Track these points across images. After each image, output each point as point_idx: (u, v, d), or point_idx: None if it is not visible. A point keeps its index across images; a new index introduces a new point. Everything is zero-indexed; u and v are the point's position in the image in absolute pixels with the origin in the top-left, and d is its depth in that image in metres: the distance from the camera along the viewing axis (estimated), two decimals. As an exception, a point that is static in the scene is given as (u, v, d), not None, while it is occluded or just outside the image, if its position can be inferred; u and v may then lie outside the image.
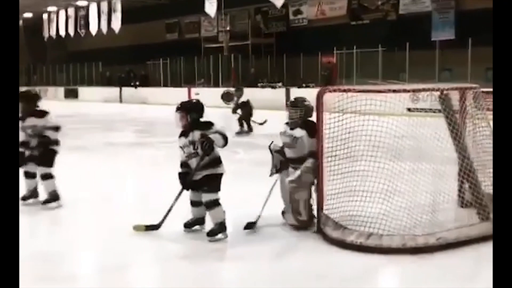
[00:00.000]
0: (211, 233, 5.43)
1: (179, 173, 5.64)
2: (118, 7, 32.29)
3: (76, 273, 4.84)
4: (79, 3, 35.93)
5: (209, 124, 5.56)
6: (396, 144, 5.66)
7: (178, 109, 5.61)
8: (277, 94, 25.52)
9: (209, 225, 5.60)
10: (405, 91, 6.15)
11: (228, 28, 31.78)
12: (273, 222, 5.92)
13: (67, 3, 36.75)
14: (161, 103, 30.25)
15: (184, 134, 5.59)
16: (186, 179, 5.53)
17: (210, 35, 34.14)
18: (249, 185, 8.17)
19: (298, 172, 5.62)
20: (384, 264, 4.82)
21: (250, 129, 15.50)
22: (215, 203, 5.44)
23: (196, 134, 5.47)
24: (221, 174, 5.55)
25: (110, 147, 13.46)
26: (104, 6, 33.28)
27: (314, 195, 5.66)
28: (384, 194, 5.40)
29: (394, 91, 5.68)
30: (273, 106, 24.79)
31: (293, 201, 5.68)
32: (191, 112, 5.59)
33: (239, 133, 15.18)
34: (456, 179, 5.89)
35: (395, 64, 23.36)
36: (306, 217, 5.68)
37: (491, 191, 5.41)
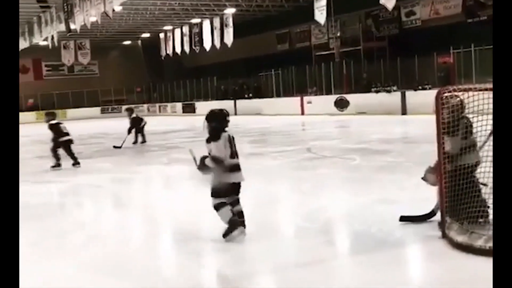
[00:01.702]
0: (225, 234, 5.70)
1: None
2: (230, 22, 33.05)
3: (193, 284, 4.95)
4: (193, 21, 37.18)
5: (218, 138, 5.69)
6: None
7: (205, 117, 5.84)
8: (393, 98, 25.00)
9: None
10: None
11: (338, 34, 31.62)
12: (402, 226, 5.79)
13: (182, 22, 38.16)
14: (274, 114, 30.65)
15: (207, 141, 5.79)
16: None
17: (320, 42, 34.13)
18: (370, 191, 8.07)
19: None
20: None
21: (144, 139, 17.99)
22: (217, 207, 5.74)
23: (207, 146, 5.75)
24: (226, 183, 5.72)
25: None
26: (217, 22, 34.18)
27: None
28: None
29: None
30: (389, 110, 24.37)
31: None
32: (210, 122, 5.76)
33: (135, 142, 17.80)
34: None
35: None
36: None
37: None
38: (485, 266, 4.58)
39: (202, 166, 5.70)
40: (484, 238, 4.92)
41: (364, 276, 4.68)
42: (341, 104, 27.83)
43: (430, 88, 22.82)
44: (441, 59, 25.37)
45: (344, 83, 29.79)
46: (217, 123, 5.75)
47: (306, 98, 30.74)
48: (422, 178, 5.78)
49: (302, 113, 30.08)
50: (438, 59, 25.55)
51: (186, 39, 38.19)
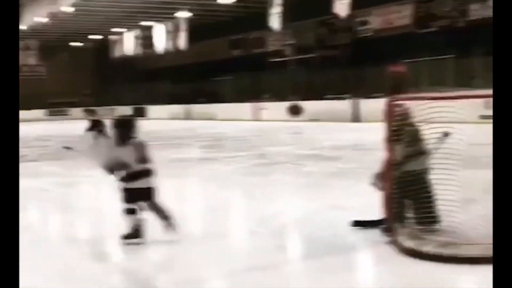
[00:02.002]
0: (125, 237, 5.79)
1: None
2: (184, 26, 32.91)
3: None
4: (146, 24, 36.85)
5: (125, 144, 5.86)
6: (471, 152, 5.44)
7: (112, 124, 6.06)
8: (345, 106, 25.32)
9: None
10: (478, 97, 5.90)
11: (293, 42, 31.84)
12: (353, 231, 5.87)
13: (134, 24, 37.79)
14: (228, 119, 30.62)
15: (115, 146, 5.98)
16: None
17: (275, 49, 34.31)
18: (322, 196, 8.13)
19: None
20: (463, 275, 4.60)
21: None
22: (126, 212, 5.79)
23: (115, 151, 5.93)
24: (130, 188, 5.78)
25: (178, 163, 13.63)
26: (170, 25, 33.98)
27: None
28: (461, 203, 5.20)
29: (467, 97, 5.47)
30: (341, 118, 24.66)
31: None
32: (117, 128, 5.94)
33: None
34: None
35: (466, 71, 22.74)
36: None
37: None
38: (432, 270, 4.65)
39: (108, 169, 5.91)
40: (432, 244, 4.99)
41: (316, 281, 4.69)
42: (295, 111, 28.02)
43: (381, 97, 23.16)
44: (393, 68, 25.79)
45: (298, 90, 30.00)
46: (124, 130, 5.87)
47: (260, 104, 30.83)
48: (371, 184, 5.85)
49: (256, 119, 30.16)
50: (389, 68, 25.97)
51: (138, 41, 37.83)
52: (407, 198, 5.50)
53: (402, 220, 5.47)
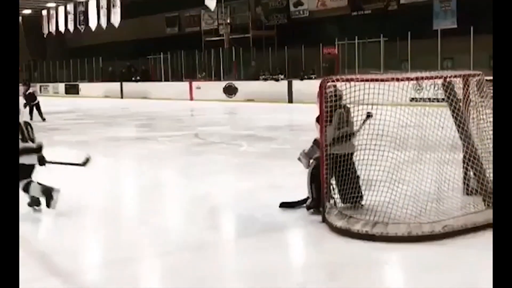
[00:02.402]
0: (48, 204, 6.18)
1: None
2: (117, 1, 32.18)
3: (80, 268, 4.82)
4: (79, -1, 35.86)
5: None
6: (400, 133, 5.62)
7: None
8: (280, 86, 25.48)
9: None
10: (408, 79, 6.08)
11: (228, 21, 31.69)
12: (286, 211, 5.97)
13: (66, -1, 36.67)
14: (162, 98, 30.26)
15: None
16: None
17: (210, 28, 34.03)
18: (256, 177, 8.22)
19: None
20: (390, 253, 4.78)
21: (42, 117, 17.74)
22: (25, 188, 6.15)
23: None
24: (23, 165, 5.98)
25: (112, 141, 13.43)
26: (103, 1, 33.14)
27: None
28: (389, 183, 5.38)
29: (398, 79, 5.63)
30: (276, 98, 24.82)
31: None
32: None
33: (31, 119, 16.10)
34: (461, 167, 5.86)
35: (396, 54, 23.30)
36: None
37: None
38: (361, 249, 4.82)
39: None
40: (361, 223, 5.16)
41: (248, 260, 4.76)
42: (230, 91, 28.01)
43: (315, 78, 23.48)
44: (326, 50, 26.15)
45: (233, 70, 29.96)
46: None
47: (195, 84, 30.62)
48: (298, 159, 6.00)
49: (191, 99, 29.95)
50: (323, 50, 26.31)
51: (70, 17, 36.75)
52: (333, 179, 5.68)
53: (329, 199, 5.64)
